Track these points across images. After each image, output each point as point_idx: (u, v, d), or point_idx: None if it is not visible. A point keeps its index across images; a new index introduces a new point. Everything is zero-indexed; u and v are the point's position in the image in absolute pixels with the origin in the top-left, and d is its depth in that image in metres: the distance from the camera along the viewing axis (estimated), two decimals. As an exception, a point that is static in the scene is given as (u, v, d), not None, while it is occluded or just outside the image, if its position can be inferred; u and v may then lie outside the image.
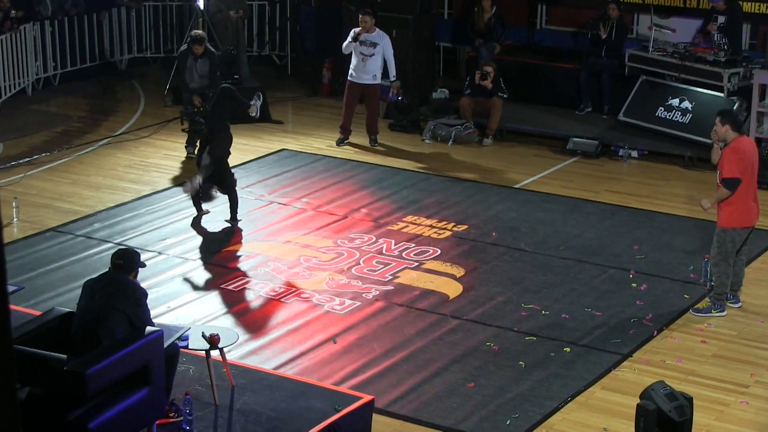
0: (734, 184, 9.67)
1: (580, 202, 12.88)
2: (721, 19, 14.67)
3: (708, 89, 14.48)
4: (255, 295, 10.36)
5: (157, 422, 7.59)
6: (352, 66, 14.82)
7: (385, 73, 14.87)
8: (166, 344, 7.52)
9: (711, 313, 9.96)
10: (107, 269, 7.74)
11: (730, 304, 10.12)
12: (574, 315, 10.02)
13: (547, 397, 8.63)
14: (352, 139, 15.08)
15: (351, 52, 14.75)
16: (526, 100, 15.90)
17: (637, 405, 7.60)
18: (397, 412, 8.40)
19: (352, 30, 14.74)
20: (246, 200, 12.66)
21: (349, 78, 14.89)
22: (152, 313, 7.92)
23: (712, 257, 10.02)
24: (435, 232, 11.88)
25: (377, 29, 14.73)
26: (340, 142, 14.98)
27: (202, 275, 10.79)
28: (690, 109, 14.54)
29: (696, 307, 10.07)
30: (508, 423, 8.26)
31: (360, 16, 14.67)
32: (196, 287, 10.51)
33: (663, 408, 7.50)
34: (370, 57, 14.67)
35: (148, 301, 7.68)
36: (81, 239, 11.59)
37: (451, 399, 8.59)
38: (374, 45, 14.64)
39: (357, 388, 8.59)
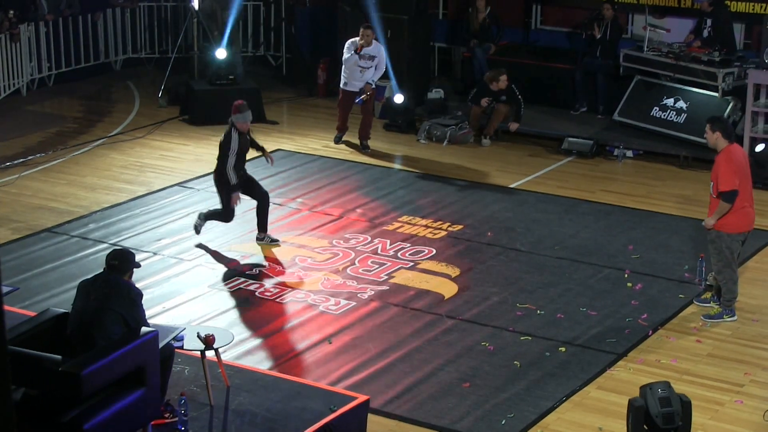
0: (732, 196, 9.64)
1: (575, 202, 12.89)
2: (707, 29, 14.76)
3: (703, 89, 14.50)
4: (250, 296, 10.35)
5: (152, 423, 7.59)
6: (345, 75, 14.75)
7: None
8: (161, 345, 7.51)
9: (723, 318, 9.96)
10: (102, 270, 7.74)
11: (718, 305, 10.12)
12: (569, 315, 10.02)
13: (542, 397, 8.64)
14: (347, 139, 15.11)
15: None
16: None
17: (629, 399, 7.62)
18: (392, 412, 8.40)
19: (350, 41, 14.65)
20: (241, 200, 12.65)
21: (342, 87, 14.84)
22: (147, 313, 7.92)
23: (714, 265, 9.99)
24: (430, 232, 11.88)
25: (374, 42, 14.72)
26: (337, 140, 15.06)
27: (197, 276, 10.78)
28: (685, 108, 14.55)
29: (708, 313, 10.05)
30: (503, 423, 8.26)
31: (362, 30, 14.60)
32: (191, 288, 10.50)
33: (651, 411, 7.49)
34: (367, 69, 14.67)
35: (143, 301, 7.68)
36: (76, 240, 11.59)
37: (446, 399, 8.59)
38: (372, 58, 14.62)
39: (352, 388, 8.59)
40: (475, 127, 15.25)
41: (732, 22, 15.16)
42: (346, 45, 14.72)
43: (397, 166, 14.16)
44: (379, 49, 14.68)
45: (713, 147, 9.91)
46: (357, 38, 14.63)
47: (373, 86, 14.78)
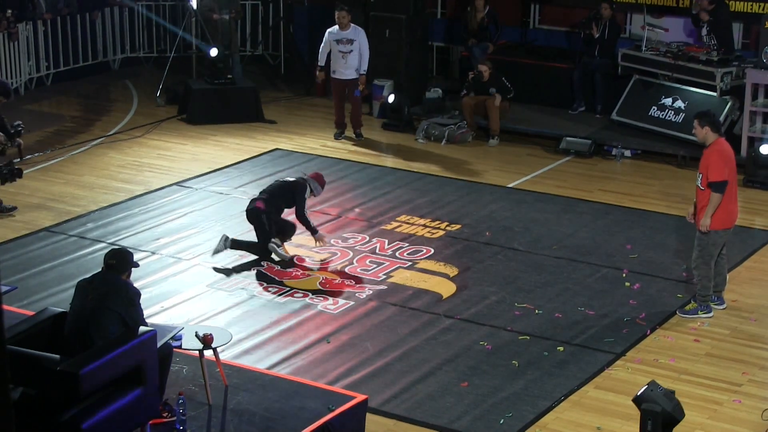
0: (723, 186, 9.63)
1: (573, 201, 12.89)
2: (707, 27, 14.70)
3: (701, 88, 14.50)
4: (248, 295, 10.35)
5: (151, 422, 7.59)
6: (332, 64, 15.04)
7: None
8: (159, 344, 7.51)
9: (698, 314, 9.97)
10: (100, 269, 7.74)
11: (715, 306, 10.09)
12: (567, 314, 10.02)
13: (540, 397, 8.64)
14: (347, 134, 15.19)
15: (330, 51, 14.98)
16: (520, 99, 15.88)
17: (642, 409, 7.57)
18: (390, 412, 8.40)
19: (328, 30, 14.93)
20: (239, 200, 12.66)
21: (332, 75, 15.11)
22: (145, 313, 7.91)
23: (693, 260, 9.98)
24: (428, 232, 11.88)
25: (352, 25, 14.94)
26: (337, 136, 15.21)
27: (195, 275, 10.78)
28: (683, 108, 14.55)
29: (683, 308, 10.07)
30: (501, 422, 8.26)
31: (337, 12, 14.90)
32: (189, 287, 10.50)
33: (667, 408, 7.51)
34: (348, 53, 14.87)
35: (141, 300, 7.67)
36: (74, 239, 11.58)
37: (444, 398, 8.59)
38: (351, 41, 14.87)
39: (350, 387, 8.59)
40: (470, 121, 15.27)
41: (730, 21, 15.15)
42: (325, 33, 15.00)
43: (395, 165, 14.16)
44: (357, 32, 14.93)
45: (702, 142, 9.89)
46: (335, 26, 14.95)
47: (364, 74, 15.02)
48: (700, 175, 9.76)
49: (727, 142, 10.02)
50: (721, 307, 10.14)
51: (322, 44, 15.04)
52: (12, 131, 12.17)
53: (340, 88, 15.10)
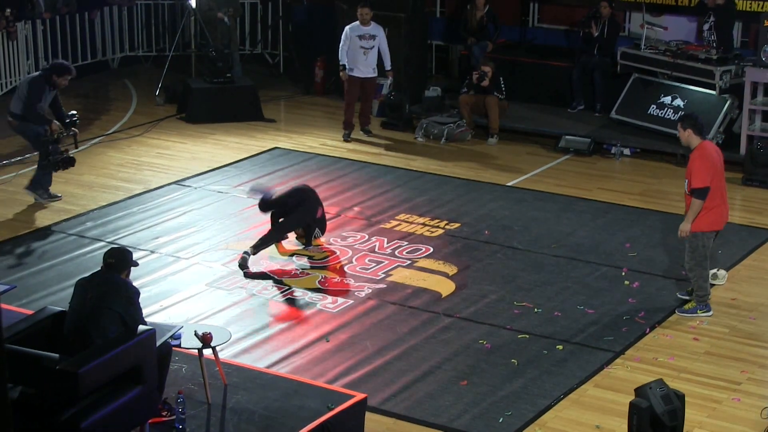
0: (705, 192, 9.62)
1: (572, 200, 12.89)
2: (708, 24, 14.69)
3: (700, 87, 14.50)
4: (247, 294, 10.35)
5: (150, 421, 7.59)
6: (350, 62, 14.96)
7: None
8: (158, 343, 7.51)
9: (697, 313, 9.98)
10: (99, 268, 7.74)
11: None
12: (566, 313, 10.03)
13: (539, 395, 8.64)
14: (353, 133, 15.22)
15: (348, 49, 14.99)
16: (519, 98, 15.90)
17: (631, 402, 7.62)
18: (389, 411, 8.40)
19: (348, 27, 14.93)
20: (238, 199, 12.67)
21: (349, 73, 15.00)
22: (145, 311, 7.92)
23: (687, 263, 9.99)
24: (428, 230, 11.88)
25: (372, 21, 14.94)
26: (346, 137, 15.16)
27: (194, 274, 10.78)
28: (682, 106, 14.54)
29: (683, 308, 10.08)
30: (500, 421, 8.27)
31: (359, 8, 14.89)
32: (188, 286, 10.50)
33: (656, 410, 7.52)
34: (370, 50, 14.93)
35: (140, 299, 7.68)
36: (73, 238, 11.58)
37: (443, 397, 8.59)
38: (373, 37, 14.94)
39: (350, 386, 8.59)
40: (468, 118, 15.26)
41: (735, 21, 15.15)
42: (345, 30, 14.99)
43: (394, 164, 14.16)
44: (378, 29, 15.00)
45: (686, 145, 9.91)
46: (356, 22, 14.93)
47: (391, 70, 15.19)
48: (687, 181, 9.78)
49: (712, 144, 10.03)
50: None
51: (342, 42, 14.97)
52: (68, 121, 12.39)
53: (358, 86, 15.08)
